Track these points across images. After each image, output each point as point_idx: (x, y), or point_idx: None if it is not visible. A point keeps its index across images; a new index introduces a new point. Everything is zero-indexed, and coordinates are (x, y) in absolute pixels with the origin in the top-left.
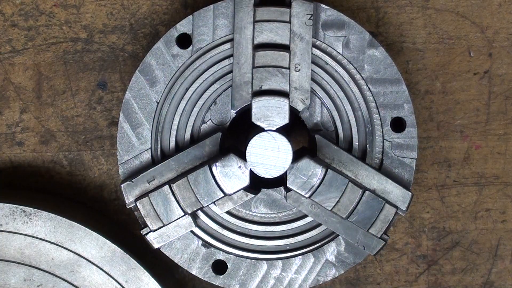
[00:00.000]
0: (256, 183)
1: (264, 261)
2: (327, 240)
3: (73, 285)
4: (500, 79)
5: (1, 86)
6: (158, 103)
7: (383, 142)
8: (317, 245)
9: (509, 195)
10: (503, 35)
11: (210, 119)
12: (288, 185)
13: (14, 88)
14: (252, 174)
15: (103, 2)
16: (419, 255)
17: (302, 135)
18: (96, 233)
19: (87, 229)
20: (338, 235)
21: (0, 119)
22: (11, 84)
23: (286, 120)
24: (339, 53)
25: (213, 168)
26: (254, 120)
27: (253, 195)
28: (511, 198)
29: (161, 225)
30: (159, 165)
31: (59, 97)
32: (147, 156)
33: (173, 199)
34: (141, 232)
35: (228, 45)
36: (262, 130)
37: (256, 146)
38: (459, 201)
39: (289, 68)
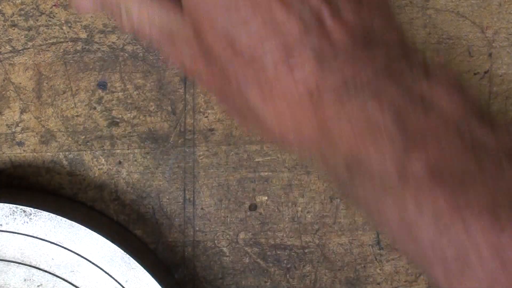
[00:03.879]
0: None
1: None
2: None
3: (73, 285)
4: (500, 79)
5: (1, 86)
6: None
7: None
8: None
9: None
10: (503, 35)
11: None
12: None
13: (14, 88)
14: None
15: None
16: None
17: None
18: (96, 233)
19: (87, 229)
20: None
21: (0, 119)
22: (11, 84)
23: None
24: None
25: None
26: None
27: None
28: None
29: None
30: None
31: (59, 97)
32: None
33: None
34: None
35: None
36: None
37: None
38: None
39: None
